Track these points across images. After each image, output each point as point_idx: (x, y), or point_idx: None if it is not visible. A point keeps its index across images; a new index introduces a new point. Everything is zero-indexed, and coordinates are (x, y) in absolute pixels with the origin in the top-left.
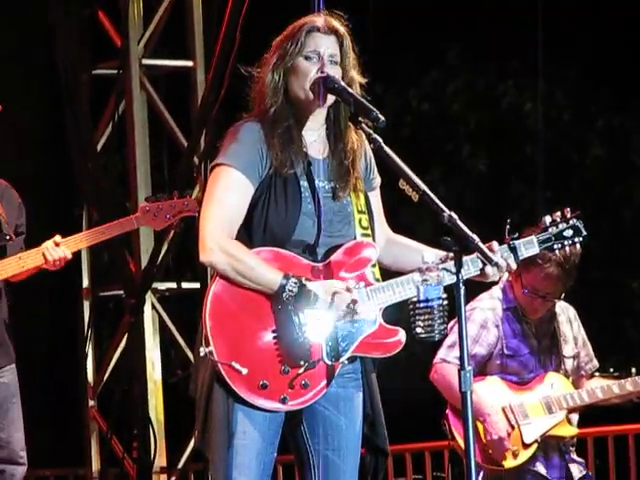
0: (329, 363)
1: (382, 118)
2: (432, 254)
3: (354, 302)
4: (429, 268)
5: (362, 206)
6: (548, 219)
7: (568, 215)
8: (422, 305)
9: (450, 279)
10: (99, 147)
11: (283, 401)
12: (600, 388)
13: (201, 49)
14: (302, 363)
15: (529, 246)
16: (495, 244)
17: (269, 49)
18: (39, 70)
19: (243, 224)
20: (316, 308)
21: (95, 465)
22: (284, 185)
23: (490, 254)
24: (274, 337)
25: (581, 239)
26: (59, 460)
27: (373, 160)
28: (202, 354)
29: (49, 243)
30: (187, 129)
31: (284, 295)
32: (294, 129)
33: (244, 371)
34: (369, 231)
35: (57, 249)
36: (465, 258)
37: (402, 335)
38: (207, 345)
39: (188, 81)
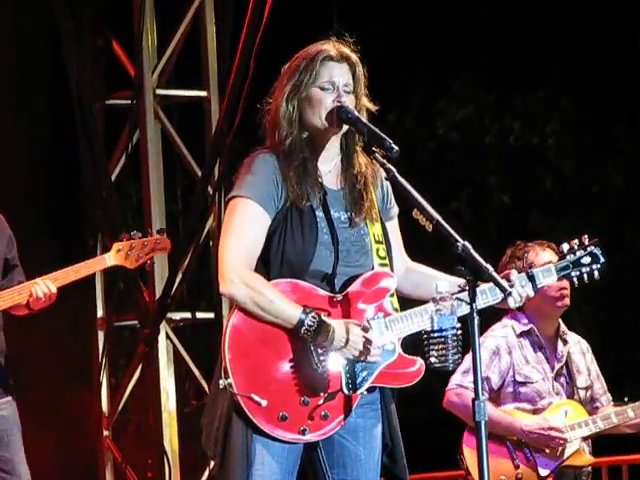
0: (348, 394)
1: (395, 148)
2: (446, 283)
3: (369, 342)
4: (443, 298)
5: (379, 236)
6: (566, 246)
7: (586, 242)
8: (436, 335)
9: (467, 309)
10: (113, 177)
11: (303, 432)
12: (614, 412)
13: (215, 79)
14: (322, 394)
15: (547, 274)
16: (514, 272)
17: (278, 78)
18: (53, 100)
19: (260, 256)
20: (332, 346)
21: None
22: (300, 216)
23: (504, 284)
24: (293, 368)
25: (599, 266)
26: None
27: (390, 190)
28: (222, 386)
29: (39, 279)
30: (201, 159)
31: (302, 329)
32: (309, 161)
33: (264, 403)
34: (387, 261)
35: (42, 285)
36: (484, 286)
37: (421, 365)
38: (226, 377)
39: (202, 111)
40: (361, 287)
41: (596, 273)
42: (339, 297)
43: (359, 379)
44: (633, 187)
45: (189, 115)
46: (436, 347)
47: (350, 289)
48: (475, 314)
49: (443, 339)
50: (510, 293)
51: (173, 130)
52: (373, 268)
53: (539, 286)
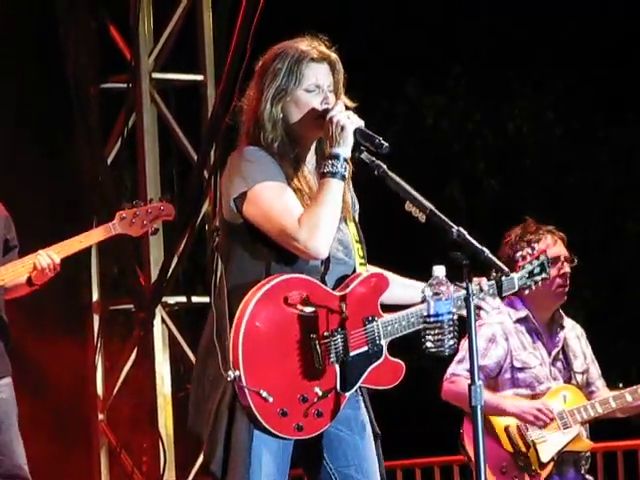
0: (342, 393)
1: (385, 144)
2: (442, 268)
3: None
4: (439, 282)
5: (356, 235)
6: (520, 258)
7: (535, 253)
8: (432, 320)
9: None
10: (109, 161)
11: (298, 429)
12: (612, 397)
13: (211, 63)
14: (319, 392)
15: (510, 286)
16: (484, 281)
17: (255, 76)
18: (44, 85)
19: (264, 251)
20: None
21: (104, 479)
22: None
23: (502, 265)
24: (297, 365)
25: (544, 276)
26: (68, 475)
27: (353, 192)
28: (230, 378)
29: (42, 251)
30: (197, 143)
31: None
32: (301, 162)
33: (270, 399)
34: (364, 260)
35: (44, 256)
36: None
37: (402, 368)
38: (236, 369)
39: (198, 95)
40: (360, 287)
41: (540, 283)
42: (342, 294)
43: (351, 380)
44: (629, 176)
45: (186, 99)
46: (432, 332)
47: (348, 290)
48: (472, 298)
49: (439, 324)
50: (509, 274)
51: (169, 114)
52: (355, 268)
53: (503, 295)
